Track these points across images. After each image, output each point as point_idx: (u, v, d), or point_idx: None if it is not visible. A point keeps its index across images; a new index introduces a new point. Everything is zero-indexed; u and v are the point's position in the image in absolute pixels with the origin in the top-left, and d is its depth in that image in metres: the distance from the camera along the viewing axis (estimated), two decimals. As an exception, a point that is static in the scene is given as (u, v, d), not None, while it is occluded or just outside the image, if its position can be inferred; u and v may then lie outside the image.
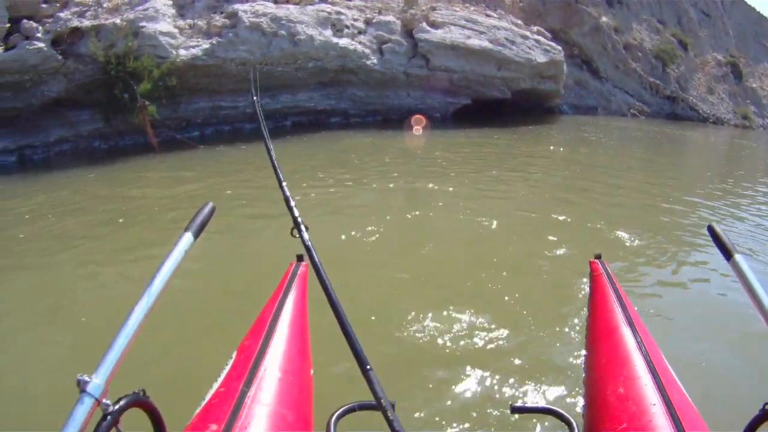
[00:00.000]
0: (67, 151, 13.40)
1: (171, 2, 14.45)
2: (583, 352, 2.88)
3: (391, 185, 10.30)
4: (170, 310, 4.42)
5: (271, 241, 6.76)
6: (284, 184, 2.28)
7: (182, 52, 13.70)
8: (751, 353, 4.57)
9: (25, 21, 12.43)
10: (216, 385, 2.06)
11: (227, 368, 2.16)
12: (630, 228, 7.90)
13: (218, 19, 14.60)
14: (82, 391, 1.27)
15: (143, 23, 13.34)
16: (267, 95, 15.88)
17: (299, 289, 2.79)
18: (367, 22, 17.31)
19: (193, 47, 13.92)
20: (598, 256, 3.23)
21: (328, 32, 15.89)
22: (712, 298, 5.89)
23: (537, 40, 20.03)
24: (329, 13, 16.18)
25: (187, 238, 1.85)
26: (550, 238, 7.17)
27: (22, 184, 10.51)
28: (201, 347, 4.17)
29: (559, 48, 20.91)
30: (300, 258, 3.00)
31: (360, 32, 16.97)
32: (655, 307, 5.37)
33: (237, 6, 14.82)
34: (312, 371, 2.49)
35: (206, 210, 2.04)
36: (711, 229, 2.12)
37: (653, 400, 2.00)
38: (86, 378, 1.29)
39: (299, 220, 2.02)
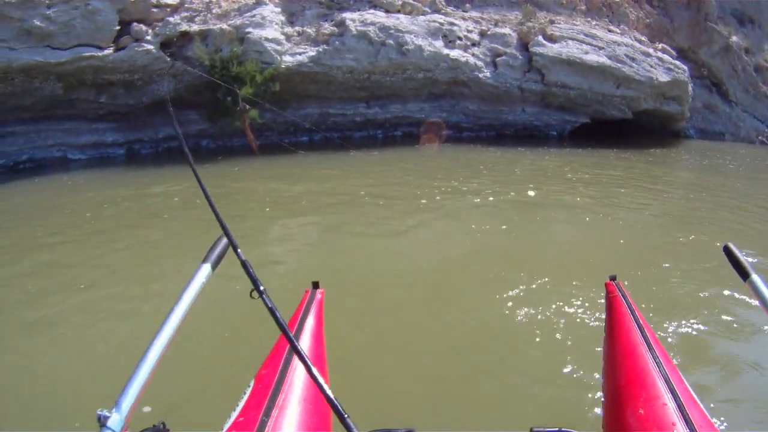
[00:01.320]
0: (175, 148, 13.78)
1: (280, 9, 13.87)
2: (601, 373, 2.69)
3: (531, 193, 9.98)
4: (188, 338, 4.22)
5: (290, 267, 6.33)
6: (239, 250, 1.83)
7: (288, 58, 13.08)
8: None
9: (135, 24, 12.32)
10: (234, 415, 1.97)
11: (245, 397, 2.05)
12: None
13: (327, 27, 13.89)
14: (102, 426, 1.26)
15: (249, 29, 12.83)
16: (377, 104, 15.38)
17: (316, 316, 2.65)
18: (482, 34, 16.08)
19: (300, 54, 13.27)
20: (613, 278, 3.00)
21: (439, 43, 14.82)
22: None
23: (660, 58, 17.96)
24: (441, 23, 15.11)
25: (206, 269, 1.83)
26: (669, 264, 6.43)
27: (135, 174, 11.31)
28: (219, 375, 4.01)
29: (684, 68, 18.66)
30: (316, 285, 2.87)
31: (474, 44, 15.77)
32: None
33: (346, 14, 14.03)
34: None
35: (223, 242, 1.97)
36: (727, 249, 2.04)
37: (674, 421, 1.91)
38: (106, 413, 1.27)
39: (258, 281, 1.66)
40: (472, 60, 15.22)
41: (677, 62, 18.66)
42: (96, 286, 5.65)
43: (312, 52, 13.34)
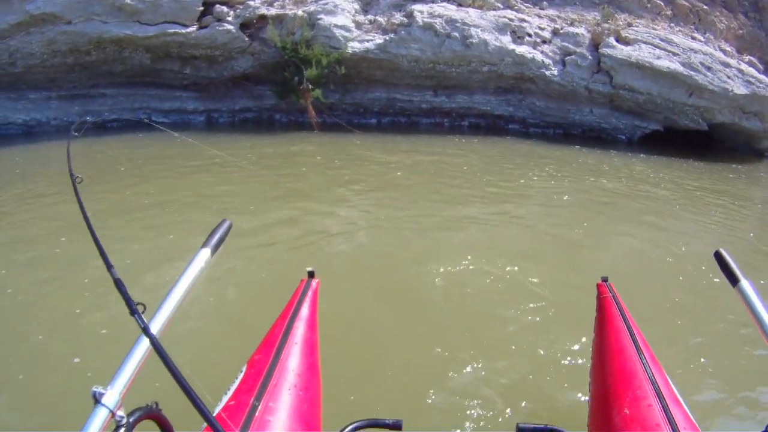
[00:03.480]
0: (250, 119, 14.72)
1: (356, -2, 14.30)
2: (588, 372, 2.72)
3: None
4: (183, 321, 4.40)
5: (285, 255, 6.37)
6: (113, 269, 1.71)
7: (356, 44, 13.53)
8: (758, 379, 4.27)
9: (218, 6, 13.04)
10: (226, 398, 1.98)
11: (237, 382, 2.07)
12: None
13: (397, 17, 14.19)
14: (97, 402, 1.24)
15: (321, 16, 13.37)
16: (443, 93, 15.60)
17: (310, 306, 2.65)
18: (555, 33, 15.83)
19: (368, 41, 13.68)
20: (605, 279, 2.99)
21: (506, 38, 14.76)
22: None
23: (740, 70, 16.80)
24: (511, 19, 15.03)
25: (204, 254, 1.82)
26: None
27: (213, 137, 12.72)
28: (211, 360, 4.05)
29: (768, 82, 17.61)
30: (311, 275, 2.85)
31: (544, 41, 15.56)
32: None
33: (416, 6, 14.25)
34: (321, 387, 2.37)
35: (224, 227, 2.00)
36: (718, 255, 2.03)
37: (658, 422, 1.93)
38: (101, 390, 1.26)
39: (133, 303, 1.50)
40: (539, 57, 15.04)
41: (762, 76, 17.46)
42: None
43: (379, 39, 13.70)
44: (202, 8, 12.75)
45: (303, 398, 2.08)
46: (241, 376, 2.10)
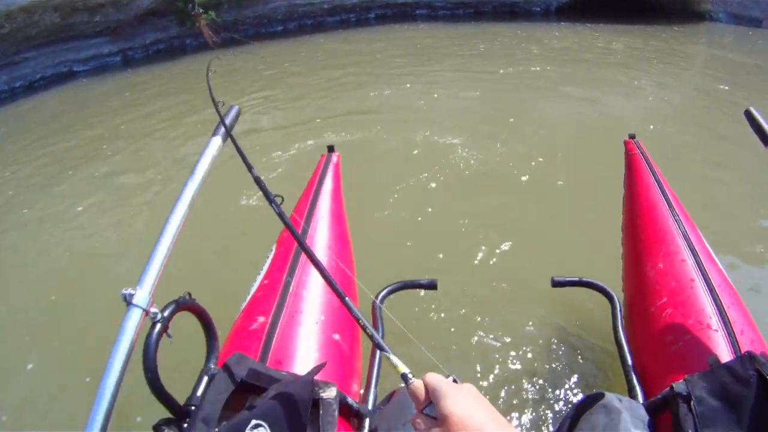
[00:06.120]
0: (164, 50, 15.33)
1: None
2: (621, 227, 2.74)
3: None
4: (204, 213, 4.33)
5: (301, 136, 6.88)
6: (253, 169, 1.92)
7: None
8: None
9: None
10: (260, 278, 2.03)
11: (269, 261, 2.11)
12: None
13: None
14: (129, 303, 1.27)
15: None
16: (348, -13, 15.86)
17: (334, 179, 2.67)
18: None
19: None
20: (633, 136, 2.97)
21: None
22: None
23: None
24: None
25: (216, 142, 1.81)
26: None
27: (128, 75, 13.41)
28: (240, 245, 4.11)
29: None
30: (331, 149, 2.87)
31: None
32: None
33: None
34: (353, 256, 2.44)
35: (232, 113, 1.97)
36: (749, 114, 1.95)
37: (692, 276, 1.96)
38: (131, 291, 1.28)
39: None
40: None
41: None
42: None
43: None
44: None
45: (336, 269, 2.10)
46: (271, 255, 2.13)
